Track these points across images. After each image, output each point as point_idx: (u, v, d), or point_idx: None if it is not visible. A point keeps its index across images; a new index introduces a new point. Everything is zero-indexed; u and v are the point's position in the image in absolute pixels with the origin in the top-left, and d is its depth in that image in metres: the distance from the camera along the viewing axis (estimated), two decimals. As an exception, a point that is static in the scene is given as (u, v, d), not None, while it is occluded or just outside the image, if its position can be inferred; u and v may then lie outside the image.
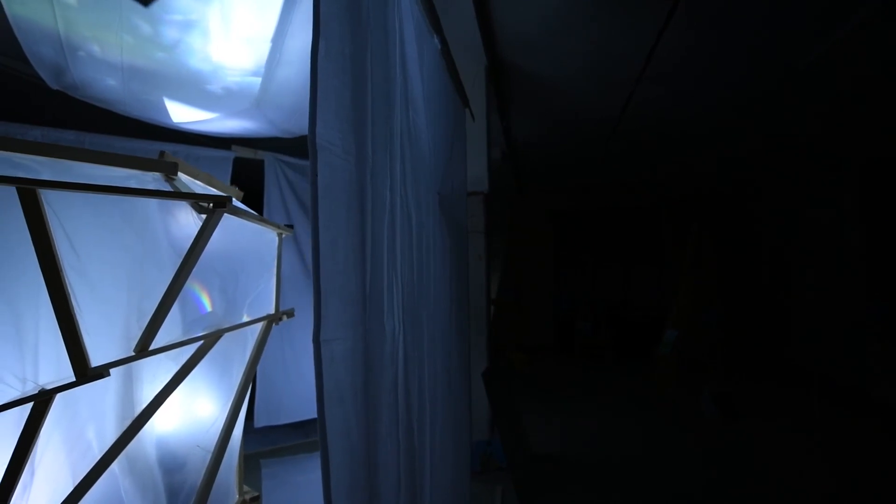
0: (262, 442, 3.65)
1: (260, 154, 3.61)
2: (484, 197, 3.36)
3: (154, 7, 1.66)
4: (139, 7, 1.63)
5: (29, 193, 1.00)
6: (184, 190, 1.22)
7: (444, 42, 1.77)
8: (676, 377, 5.71)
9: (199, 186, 1.32)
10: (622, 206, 8.55)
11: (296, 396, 3.75)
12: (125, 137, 2.98)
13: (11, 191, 1.04)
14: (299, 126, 2.60)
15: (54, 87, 2.07)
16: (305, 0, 1.70)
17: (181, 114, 2.26)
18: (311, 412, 3.92)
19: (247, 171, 3.55)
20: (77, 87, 2.07)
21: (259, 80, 1.99)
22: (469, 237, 2.73)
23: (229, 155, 3.42)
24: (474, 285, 3.15)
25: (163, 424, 1.38)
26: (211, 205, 1.14)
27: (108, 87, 2.07)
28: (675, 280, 6.92)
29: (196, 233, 1.23)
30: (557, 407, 5.11)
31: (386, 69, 1.11)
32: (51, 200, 1.04)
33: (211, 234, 1.17)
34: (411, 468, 1.30)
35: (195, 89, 2.03)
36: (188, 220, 1.22)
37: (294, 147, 3.61)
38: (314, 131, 0.73)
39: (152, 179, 1.18)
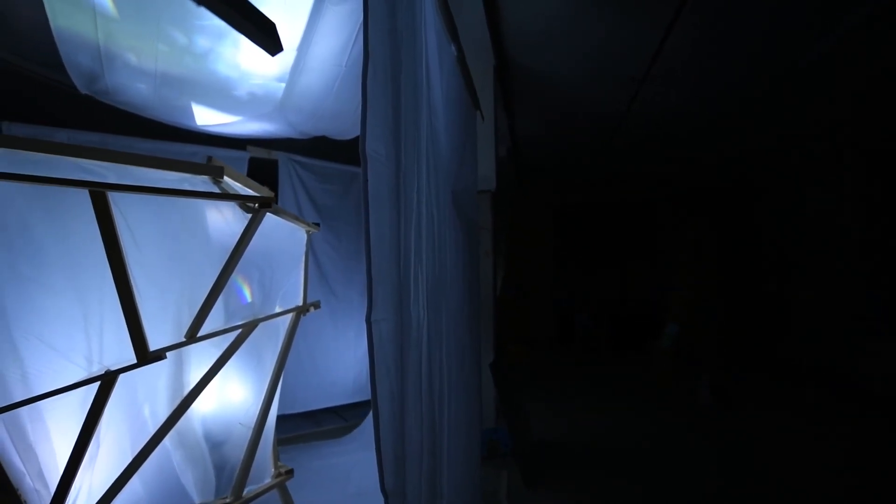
0: (278, 430, 3.78)
1: (274, 154, 3.73)
2: (491, 195, 3.48)
3: (189, 16, 1.78)
4: (176, 18, 1.75)
5: (99, 195, 1.13)
6: (229, 191, 1.34)
7: (459, 49, 1.89)
8: (675, 370, 5.85)
9: (239, 187, 1.44)
10: (622, 202, 8.67)
11: (310, 387, 3.88)
12: (144, 139, 3.09)
13: (78, 192, 1.17)
14: (316, 128, 2.73)
15: (84, 91, 2.19)
16: (329, 12, 1.82)
17: (206, 117, 2.38)
18: (323, 402, 4.06)
19: (261, 171, 3.67)
20: (108, 92, 2.19)
21: (283, 85, 2.11)
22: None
23: (244, 155, 3.54)
24: (482, 280, 3.27)
25: (207, 404, 1.51)
26: (256, 205, 1.26)
27: (138, 92, 2.19)
28: (674, 274, 7.06)
29: (238, 229, 1.36)
30: (558, 398, 5.25)
31: (414, 81, 1.23)
32: (117, 201, 1.17)
33: (255, 231, 1.30)
34: (432, 442, 1.44)
35: (222, 94, 2.15)
36: (234, 218, 1.35)
37: (307, 147, 3.73)
38: (364, 143, 0.85)
39: (201, 182, 1.31)
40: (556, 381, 6.07)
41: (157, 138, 3.09)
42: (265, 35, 1.44)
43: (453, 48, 1.80)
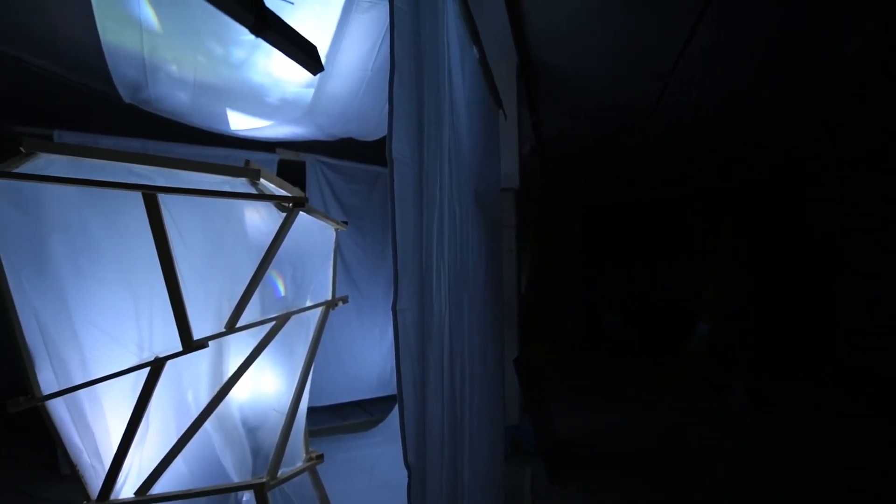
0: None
1: (302, 156, 3.86)
2: (515, 192, 3.52)
3: (227, 30, 1.89)
4: (215, 31, 1.87)
5: (151, 197, 1.24)
6: (265, 192, 1.44)
7: (481, 51, 1.95)
8: (704, 371, 5.73)
9: (273, 188, 1.54)
10: (651, 199, 8.52)
11: (336, 381, 4.01)
12: (180, 143, 3.26)
13: (131, 194, 1.28)
14: (343, 130, 2.83)
15: (128, 101, 2.34)
16: (356, 21, 1.90)
17: (240, 122, 2.51)
18: (348, 396, 4.19)
19: (290, 172, 3.80)
20: (150, 101, 2.34)
21: (312, 91, 2.21)
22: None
23: (274, 157, 3.68)
24: (505, 278, 3.31)
25: (243, 392, 1.61)
26: (291, 204, 1.35)
27: (178, 101, 2.33)
28: (706, 273, 6.90)
29: (272, 227, 1.46)
30: (583, 397, 5.24)
31: (437, 86, 1.30)
32: (166, 202, 1.28)
33: (289, 229, 1.39)
34: (453, 431, 1.50)
35: (256, 101, 2.27)
36: (269, 217, 1.45)
37: (333, 148, 3.85)
38: (391, 147, 0.92)
39: (240, 183, 1.41)
40: (581, 382, 6.04)
41: (191, 142, 3.26)
42: (308, 57, 1.60)
43: (475, 51, 1.86)
